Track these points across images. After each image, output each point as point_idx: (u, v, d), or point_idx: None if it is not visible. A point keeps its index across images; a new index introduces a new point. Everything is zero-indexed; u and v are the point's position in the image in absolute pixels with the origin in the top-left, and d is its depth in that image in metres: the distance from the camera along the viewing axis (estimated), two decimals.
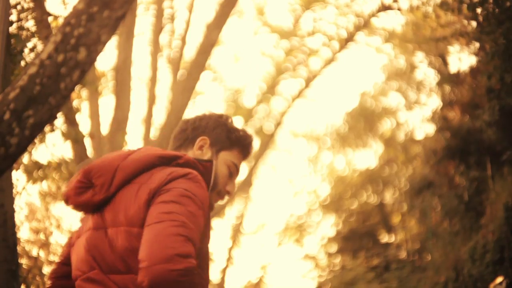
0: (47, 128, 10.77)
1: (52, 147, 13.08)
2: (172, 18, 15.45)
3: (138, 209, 2.35)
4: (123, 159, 2.46)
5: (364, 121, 22.56)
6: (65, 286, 2.64)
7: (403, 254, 19.04)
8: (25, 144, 5.52)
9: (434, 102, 21.03)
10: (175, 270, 2.17)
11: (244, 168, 21.51)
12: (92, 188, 2.45)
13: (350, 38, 18.37)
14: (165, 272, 2.16)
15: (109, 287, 2.35)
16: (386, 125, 22.83)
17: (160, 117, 13.99)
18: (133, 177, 2.43)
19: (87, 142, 12.66)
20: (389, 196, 21.50)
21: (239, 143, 2.85)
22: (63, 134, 11.62)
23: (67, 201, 2.55)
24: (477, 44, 12.44)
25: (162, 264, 2.17)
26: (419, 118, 24.53)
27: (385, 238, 20.96)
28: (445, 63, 17.15)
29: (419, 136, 20.55)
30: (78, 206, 2.50)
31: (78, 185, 2.47)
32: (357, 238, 21.25)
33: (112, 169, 2.44)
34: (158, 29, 14.38)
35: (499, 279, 9.32)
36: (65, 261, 2.67)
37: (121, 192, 2.42)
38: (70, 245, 2.64)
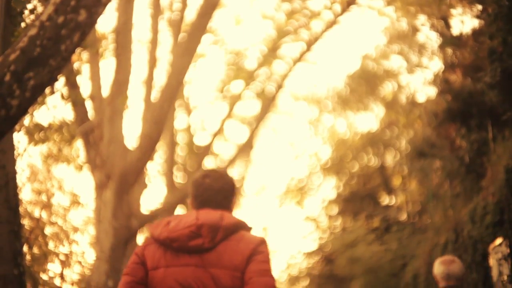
0: (48, 90, 10.77)
1: (53, 109, 13.11)
2: None
3: (242, 260, 3.30)
4: (219, 220, 3.37)
5: (365, 84, 22.52)
6: None
7: (403, 216, 19.15)
8: (25, 106, 5.51)
9: (436, 65, 20.95)
10: None
11: (245, 130, 21.55)
12: (201, 237, 3.33)
13: (352, 0, 18.24)
14: None
15: None
16: (387, 88, 22.79)
17: (160, 79, 13.96)
18: (230, 236, 3.37)
19: (88, 104, 12.68)
20: (390, 159, 21.54)
21: None
22: (64, 96, 11.62)
23: (174, 241, 3.34)
24: (479, 6, 12.36)
25: None
26: (420, 81, 24.43)
27: (385, 200, 21.06)
28: (447, 25, 17.05)
29: (420, 99, 20.53)
30: (185, 247, 3.33)
31: (193, 233, 3.33)
32: (358, 200, 21.35)
33: (217, 228, 3.34)
34: None
35: (499, 241, 9.38)
36: (141, 281, 3.40)
37: (222, 244, 3.33)
38: (147, 268, 3.40)
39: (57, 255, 23.84)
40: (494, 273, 9.69)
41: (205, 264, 3.30)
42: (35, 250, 22.20)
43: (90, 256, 24.46)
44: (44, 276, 23.74)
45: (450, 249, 11.79)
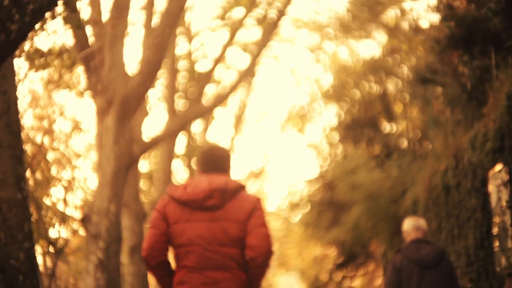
0: (48, 15, 10.66)
1: (53, 35, 13.01)
2: None
3: (244, 215, 4.27)
4: (225, 184, 4.30)
5: (368, 10, 22.24)
6: (167, 265, 4.36)
7: (404, 143, 19.21)
8: (25, 31, 5.47)
9: None
10: (272, 252, 4.24)
11: (246, 57, 21.42)
12: (213, 199, 4.27)
13: None
14: (269, 253, 4.21)
15: (219, 253, 4.20)
16: (390, 14, 22.53)
17: (161, 5, 13.82)
18: (232, 197, 4.32)
19: (88, 30, 12.58)
20: (391, 86, 21.47)
21: None
22: (64, 21, 11.51)
23: (192, 202, 4.28)
24: None
25: (269, 249, 4.21)
26: (423, 6, 24.10)
27: (386, 127, 21.09)
28: None
29: (423, 25, 20.31)
30: (200, 206, 4.27)
31: (207, 195, 4.26)
32: (359, 128, 21.39)
33: (224, 191, 4.29)
34: None
35: (499, 167, 9.43)
36: (164, 233, 4.28)
37: (229, 203, 4.30)
38: (167, 224, 4.28)
39: (59, 180, 24.03)
40: (493, 199, 9.78)
41: (216, 219, 4.26)
42: (38, 175, 22.37)
43: (92, 182, 24.68)
44: (47, 201, 24.01)
45: (450, 175, 11.87)
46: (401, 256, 6.52)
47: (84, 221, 14.62)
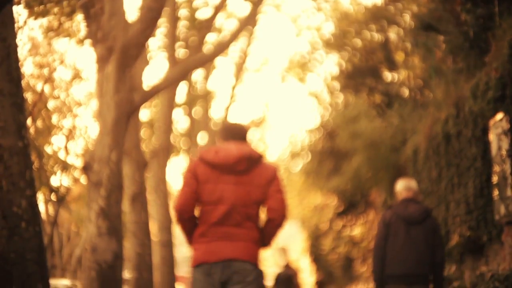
0: None
1: None
2: None
3: (266, 182, 4.89)
4: (250, 152, 4.90)
5: None
6: (194, 220, 4.94)
7: (405, 92, 19.16)
8: None
9: None
10: (286, 215, 4.92)
11: (247, 6, 21.23)
12: (241, 164, 4.83)
13: None
14: (285, 215, 4.92)
15: (240, 212, 4.78)
16: None
17: None
18: (256, 164, 4.92)
19: None
20: (393, 35, 21.31)
21: None
22: None
23: (223, 166, 4.83)
24: None
25: (285, 212, 4.91)
26: None
27: (388, 76, 21.01)
28: None
29: None
30: (231, 170, 4.83)
31: (236, 161, 4.81)
32: (360, 77, 21.30)
33: (250, 159, 4.88)
34: None
35: (500, 116, 9.42)
36: (195, 191, 4.84)
37: (253, 170, 4.90)
38: (198, 183, 4.81)
39: (60, 129, 24.07)
40: (494, 148, 9.79)
41: (242, 182, 4.84)
42: (39, 123, 22.40)
43: (93, 130, 24.71)
44: (48, 149, 24.09)
45: (450, 124, 11.87)
46: (391, 212, 7.29)
47: (85, 169, 14.68)
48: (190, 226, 4.90)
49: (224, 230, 4.79)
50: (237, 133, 5.05)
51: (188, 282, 30.43)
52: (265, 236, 4.98)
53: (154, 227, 23.22)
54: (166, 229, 23.33)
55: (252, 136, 39.28)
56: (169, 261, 23.31)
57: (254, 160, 4.90)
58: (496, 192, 9.75)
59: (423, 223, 7.15)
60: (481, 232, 10.52)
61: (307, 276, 50.48)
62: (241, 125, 5.19)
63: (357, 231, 26.05)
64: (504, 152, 9.37)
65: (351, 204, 23.76)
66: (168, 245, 23.32)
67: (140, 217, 19.61)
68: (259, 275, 4.91)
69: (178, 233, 44.82)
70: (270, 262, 60.11)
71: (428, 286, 7.17)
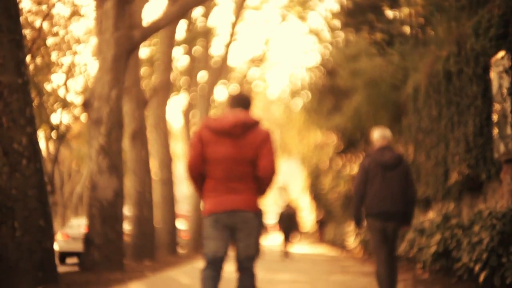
0: None
1: None
2: None
3: (258, 144, 5.69)
4: (245, 119, 5.73)
5: None
6: (202, 176, 5.84)
7: (406, 30, 19.00)
8: None
9: None
10: (275, 172, 5.72)
11: None
12: (236, 129, 5.68)
13: None
14: (274, 172, 5.71)
15: (238, 169, 5.67)
16: None
17: None
18: (250, 129, 5.73)
19: None
20: None
21: None
22: None
23: (221, 130, 5.68)
24: None
25: (274, 170, 5.71)
26: None
27: (389, 13, 20.80)
28: None
29: None
30: (228, 134, 5.67)
31: (232, 127, 5.66)
32: (361, 14, 21.07)
33: (244, 124, 5.70)
34: None
35: (501, 54, 9.38)
36: (201, 153, 5.73)
37: (248, 133, 5.71)
38: (203, 145, 5.71)
39: (60, 66, 23.96)
40: (494, 86, 9.76)
41: (238, 144, 5.67)
42: (38, 60, 22.28)
43: (93, 67, 24.60)
44: (48, 87, 24.03)
45: (452, 62, 11.81)
46: (369, 159, 8.26)
47: (85, 106, 14.68)
48: (199, 181, 5.83)
49: (228, 185, 5.70)
50: (240, 102, 5.93)
51: (188, 219, 30.75)
52: (260, 189, 5.84)
53: (154, 166, 23.34)
54: (166, 167, 23.48)
55: (253, 74, 39.17)
56: (169, 199, 23.52)
57: (248, 126, 5.71)
58: (495, 131, 9.76)
59: (397, 168, 8.15)
60: (480, 170, 10.57)
61: (307, 214, 50.97)
62: (245, 95, 6.03)
63: (356, 169, 26.17)
64: (504, 90, 9.35)
65: (351, 143, 23.80)
66: (168, 183, 23.50)
67: (140, 155, 19.70)
68: (259, 221, 5.87)
69: (178, 171, 44.87)
70: (271, 202, 60.65)
71: (400, 222, 8.20)
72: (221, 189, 5.72)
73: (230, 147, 5.68)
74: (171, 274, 14.11)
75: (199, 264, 18.29)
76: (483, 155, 10.43)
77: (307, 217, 51.46)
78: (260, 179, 5.75)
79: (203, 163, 5.76)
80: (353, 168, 26.41)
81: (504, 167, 9.62)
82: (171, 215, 23.44)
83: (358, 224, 8.31)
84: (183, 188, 50.85)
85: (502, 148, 9.45)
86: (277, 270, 14.75)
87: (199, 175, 5.81)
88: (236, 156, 5.68)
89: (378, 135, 8.43)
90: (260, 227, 5.87)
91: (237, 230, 5.71)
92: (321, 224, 38.91)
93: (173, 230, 23.46)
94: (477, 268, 8.68)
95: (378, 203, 8.09)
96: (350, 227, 23.85)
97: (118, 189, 14.33)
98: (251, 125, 5.73)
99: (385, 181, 8.10)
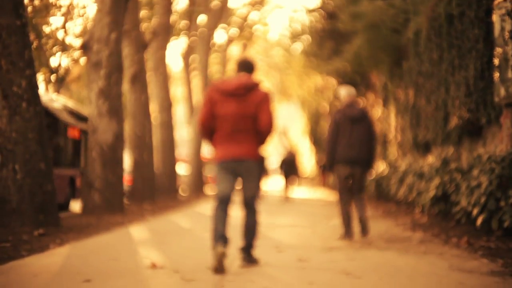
0: None
1: None
2: None
3: (259, 102, 6.54)
4: (247, 82, 6.58)
5: None
6: (212, 130, 6.72)
7: None
8: None
9: None
10: (273, 125, 6.59)
11: None
12: (240, 90, 6.57)
13: None
14: (272, 125, 6.56)
15: (242, 123, 6.52)
16: None
17: None
18: (251, 90, 6.57)
19: None
20: None
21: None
22: None
23: (227, 91, 6.56)
24: None
25: (272, 123, 6.55)
26: None
27: None
28: None
29: None
30: (233, 95, 6.56)
31: (235, 88, 6.55)
32: None
33: (245, 87, 6.57)
34: None
35: None
36: (211, 111, 6.61)
37: (250, 94, 6.56)
38: (212, 104, 6.61)
39: (58, 8, 23.73)
40: (496, 29, 9.70)
41: (241, 102, 6.56)
42: (36, 2, 22.06)
43: (92, 9, 24.37)
44: (47, 29, 23.84)
45: (453, 4, 11.70)
46: (339, 114, 9.39)
47: (85, 49, 14.59)
48: (210, 134, 6.77)
49: (234, 137, 6.64)
50: (244, 67, 6.81)
51: (187, 162, 30.85)
52: (260, 140, 6.74)
53: (154, 110, 23.32)
54: (166, 111, 23.46)
55: (252, 18, 38.86)
56: (169, 143, 23.57)
57: (250, 87, 6.60)
58: (496, 74, 9.72)
59: (362, 121, 9.32)
60: (480, 114, 10.57)
61: (308, 159, 51.15)
62: (249, 61, 6.89)
63: None
64: (506, 34, 9.28)
65: (351, 86, 23.75)
66: (168, 127, 23.52)
67: (139, 99, 19.66)
68: (261, 167, 6.89)
69: (178, 114, 44.78)
70: (272, 147, 60.78)
71: (364, 167, 9.37)
72: (228, 140, 6.67)
73: (235, 105, 6.59)
74: (171, 217, 14.22)
75: (199, 208, 18.42)
76: (483, 99, 10.41)
77: (308, 162, 51.66)
78: (260, 132, 6.65)
79: (212, 119, 6.68)
80: None
81: (504, 111, 9.62)
82: (171, 159, 23.53)
83: (331, 169, 9.51)
84: (183, 132, 50.93)
85: (502, 92, 9.43)
86: (278, 214, 14.87)
87: (209, 129, 6.74)
88: (240, 113, 6.58)
89: (346, 93, 9.56)
90: (261, 172, 6.87)
91: (242, 175, 6.68)
92: (324, 168, 39.08)
93: (173, 174, 23.58)
94: (475, 211, 8.75)
95: (347, 151, 9.28)
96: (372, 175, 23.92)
97: (118, 132, 14.35)
98: (253, 87, 6.63)
99: (353, 132, 9.28)
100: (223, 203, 6.59)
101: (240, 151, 6.66)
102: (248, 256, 6.79)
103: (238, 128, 6.64)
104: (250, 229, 6.78)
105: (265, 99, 6.63)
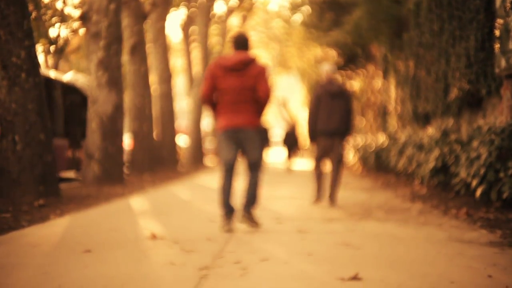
0: None
1: None
2: None
3: (256, 75, 7.11)
4: (245, 57, 7.15)
5: None
6: (214, 102, 7.32)
7: None
8: None
9: None
10: (270, 96, 7.17)
11: None
12: (239, 65, 7.14)
13: None
14: (270, 95, 7.15)
15: (242, 94, 7.14)
16: None
17: None
18: (249, 64, 7.15)
19: None
20: None
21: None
22: None
23: (228, 66, 7.14)
24: None
25: (269, 93, 7.13)
26: None
27: None
28: None
29: None
30: (233, 70, 7.13)
31: (235, 64, 7.12)
32: None
33: (244, 62, 7.15)
34: None
35: None
36: (213, 85, 7.17)
37: (246, 69, 7.13)
38: (214, 79, 7.15)
39: None
40: (497, 0, 9.65)
41: (240, 76, 7.11)
42: None
43: None
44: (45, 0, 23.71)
45: None
46: (320, 88, 10.21)
47: (84, 19, 14.52)
48: (212, 105, 7.33)
49: (235, 108, 7.20)
50: (240, 44, 7.30)
51: (188, 133, 30.85)
52: (259, 110, 7.29)
53: (154, 81, 23.26)
54: (166, 82, 23.42)
55: None
56: (169, 114, 23.55)
57: (248, 62, 7.16)
58: (497, 45, 9.68)
59: (340, 96, 10.09)
60: (480, 86, 10.54)
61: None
62: (244, 39, 7.34)
63: (356, 85, 26.13)
64: (508, 5, 9.23)
65: (351, 58, 23.68)
66: (167, 98, 23.48)
67: (139, 70, 19.61)
68: (263, 136, 7.29)
69: (178, 85, 44.61)
70: (274, 119, 60.70)
71: (343, 138, 10.15)
72: (230, 111, 7.23)
73: (235, 79, 7.15)
74: (171, 188, 14.26)
75: (199, 179, 18.46)
76: (483, 70, 10.38)
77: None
78: (259, 101, 7.21)
79: (214, 92, 7.26)
80: (352, 84, 26.37)
81: (505, 83, 9.60)
82: (171, 131, 23.52)
83: (313, 140, 10.27)
84: (183, 103, 50.88)
85: (503, 63, 9.41)
86: (278, 186, 14.89)
87: (211, 101, 7.32)
88: (240, 85, 7.15)
89: (326, 69, 10.30)
90: (263, 141, 7.28)
91: (244, 143, 7.25)
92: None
93: (173, 145, 23.59)
94: (474, 183, 8.76)
95: (327, 123, 10.07)
96: (349, 144, 23.97)
97: (118, 103, 14.33)
98: (250, 62, 7.21)
99: (332, 106, 10.06)
100: (228, 168, 7.23)
101: (241, 120, 7.24)
102: (248, 215, 7.29)
103: (239, 99, 7.21)
104: (252, 187, 7.30)
105: (262, 72, 7.21)
